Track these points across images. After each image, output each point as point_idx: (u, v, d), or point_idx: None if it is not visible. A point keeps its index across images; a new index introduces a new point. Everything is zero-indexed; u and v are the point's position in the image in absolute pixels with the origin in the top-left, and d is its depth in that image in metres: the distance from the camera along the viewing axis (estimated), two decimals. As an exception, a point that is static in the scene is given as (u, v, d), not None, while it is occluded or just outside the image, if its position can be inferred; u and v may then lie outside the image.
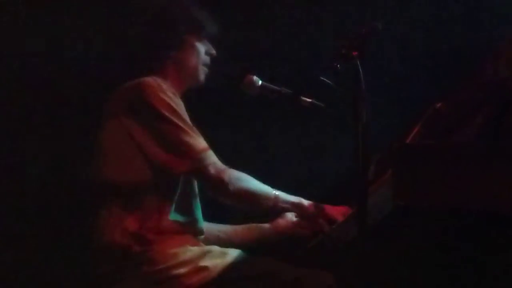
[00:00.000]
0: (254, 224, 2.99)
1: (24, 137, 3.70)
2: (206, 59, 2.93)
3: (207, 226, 2.93)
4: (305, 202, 2.86)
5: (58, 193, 3.66)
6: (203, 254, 2.65)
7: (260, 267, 2.64)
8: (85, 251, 2.83)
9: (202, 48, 2.91)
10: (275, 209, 2.83)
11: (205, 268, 2.61)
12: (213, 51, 2.94)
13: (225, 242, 2.89)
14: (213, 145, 2.74)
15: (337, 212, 2.85)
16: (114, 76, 2.91)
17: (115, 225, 2.66)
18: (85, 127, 3.38)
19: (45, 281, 3.60)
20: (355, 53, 2.33)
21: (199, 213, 2.82)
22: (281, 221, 2.95)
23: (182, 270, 2.60)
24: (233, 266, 2.64)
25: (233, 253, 2.69)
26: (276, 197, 2.80)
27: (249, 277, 2.61)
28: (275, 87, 2.89)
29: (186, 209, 2.76)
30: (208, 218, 2.93)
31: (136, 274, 2.61)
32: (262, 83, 2.89)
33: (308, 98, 2.87)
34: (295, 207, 2.85)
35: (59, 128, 3.71)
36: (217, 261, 2.64)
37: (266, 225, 2.97)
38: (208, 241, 2.86)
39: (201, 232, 2.82)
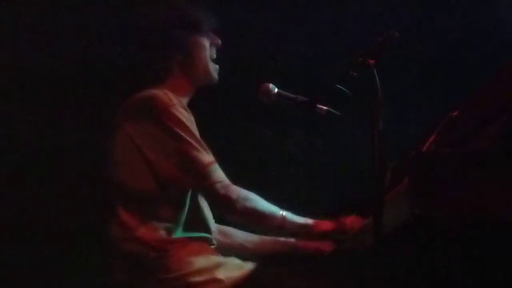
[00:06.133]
0: (284, 239, 2.97)
1: (38, 147, 3.73)
2: (213, 51, 2.92)
3: (232, 232, 2.94)
4: (311, 222, 2.81)
5: (73, 200, 3.68)
6: (219, 265, 2.64)
7: (275, 279, 2.64)
8: (100, 259, 2.84)
9: (206, 42, 2.90)
10: (282, 230, 2.80)
11: (220, 280, 2.60)
12: (218, 41, 2.93)
13: (249, 252, 2.89)
14: (220, 156, 2.75)
15: (351, 222, 2.84)
16: (123, 84, 2.93)
17: (128, 236, 2.66)
18: (94, 135, 3.41)
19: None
20: (371, 61, 2.33)
21: (211, 224, 2.83)
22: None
23: (197, 279, 2.59)
24: (249, 279, 2.64)
25: (249, 266, 2.69)
26: (283, 218, 2.76)
27: None
28: (291, 95, 2.88)
29: (197, 220, 2.76)
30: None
31: (152, 282, 2.61)
32: (278, 90, 2.88)
33: (324, 106, 2.86)
34: (302, 229, 2.81)
35: (68, 139, 3.74)
36: (233, 273, 2.63)
37: (292, 241, 2.95)
38: (231, 248, 2.86)
39: (212, 243, 2.82)
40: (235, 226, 2.94)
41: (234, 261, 2.71)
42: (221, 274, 2.62)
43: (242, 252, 2.82)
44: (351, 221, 2.81)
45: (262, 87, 2.89)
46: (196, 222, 2.76)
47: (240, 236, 2.99)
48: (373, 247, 2.20)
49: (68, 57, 3.75)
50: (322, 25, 3.98)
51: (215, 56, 2.93)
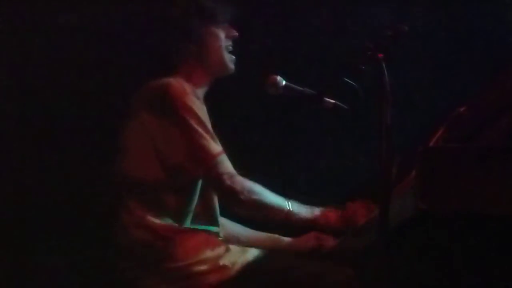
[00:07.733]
0: (277, 236, 2.99)
1: (44, 138, 3.73)
2: (228, 43, 2.92)
3: (227, 224, 2.94)
4: (318, 216, 2.81)
5: (80, 191, 3.68)
6: (223, 252, 2.66)
7: (280, 262, 2.66)
8: (106, 249, 2.85)
9: (221, 33, 2.89)
10: (287, 223, 2.80)
11: (225, 267, 2.62)
12: (235, 33, 2.92)
13: (243, 245, 2.88)
14: (231, 147, 2.75)
15: (358, 210, 2.83)
16: (137, 76, 2.93)
17: (136, 223, 2.68)
18: (107, 126, 3.41)
19: (68, 278, 3.63)
20: (380, 55, 2.32)
21: (217, 215, 2.84)
22: (304, 237, 2.93)
23: (203, 268, 2.61)
24: (253, 263, 2.65)
25: (252, 251, 2.71)
26: (289, 211, 2.78)
27: (269, 272, 2.62)
28: (299, 88, 2.89)
29: (207, 212, 2.78)
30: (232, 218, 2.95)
31: (158, 271, 2.63)
32: (285, 83, 2.88)
33: (332, 99, 2.86)
34: (308, 223, 2.82)
35: (81, 127, 3.74)
36: (237, 259, 2.65)
37: (288, 240, 2.97)
38: (227, 241, 2.87)
39: (219, 235, 2.83)
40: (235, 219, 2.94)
41: (237, 247, 2.72)
42: (226, 261, 2.64)
43: (236, 245, 2.82)
44: (358, 208, 2.81)
45: (270, 79, 2.90)
46: (206, 213, 2.78)
47: (235, 229, 3.00)
48: (378, 242, 2.20)
49: (83, 47, 3.75)
50: (332, 17, 3.97)
51: (231, 48, 2.92)
